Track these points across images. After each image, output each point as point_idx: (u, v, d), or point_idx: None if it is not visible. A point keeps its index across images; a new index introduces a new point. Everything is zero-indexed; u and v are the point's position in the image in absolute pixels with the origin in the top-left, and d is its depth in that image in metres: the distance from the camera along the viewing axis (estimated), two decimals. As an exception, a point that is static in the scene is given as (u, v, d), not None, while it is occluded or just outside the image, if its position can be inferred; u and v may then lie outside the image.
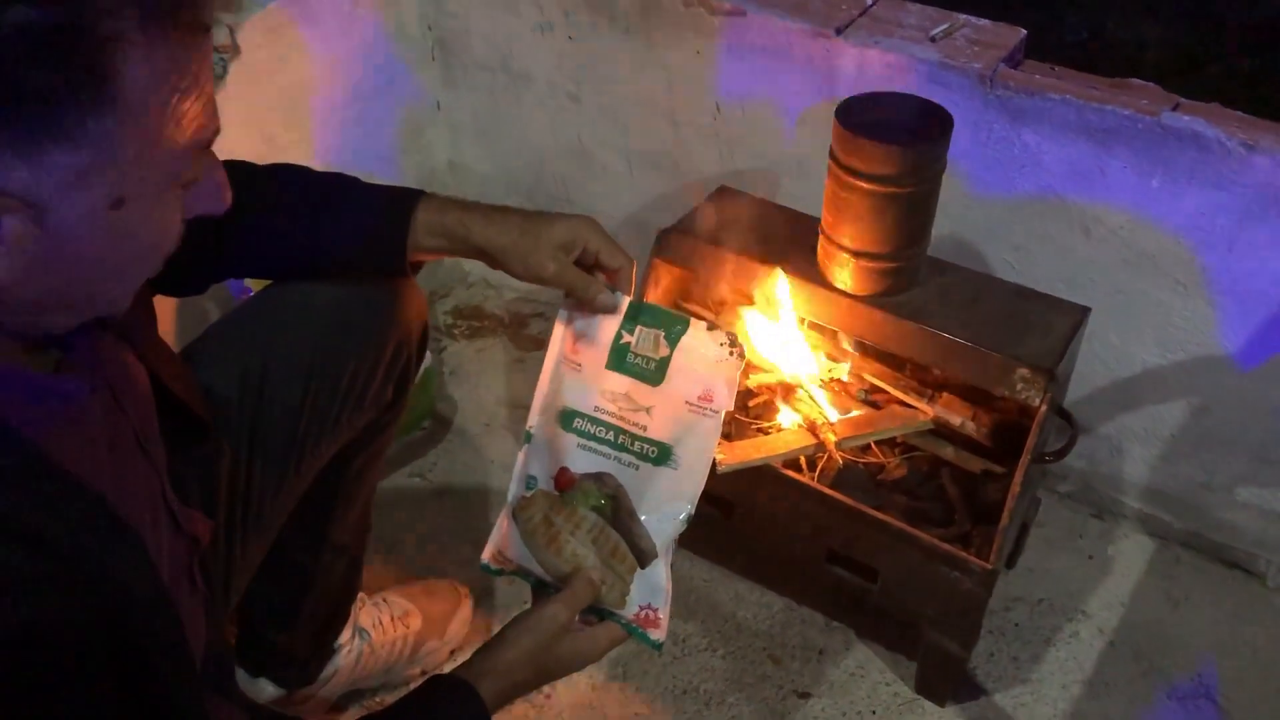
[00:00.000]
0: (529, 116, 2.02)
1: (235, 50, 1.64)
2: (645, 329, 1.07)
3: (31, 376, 0.75)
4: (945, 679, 1.54)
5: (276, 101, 1.77)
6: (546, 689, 1.56)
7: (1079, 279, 1.59)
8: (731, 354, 1.07)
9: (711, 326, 1.08)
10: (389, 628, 1.53)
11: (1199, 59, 3.58)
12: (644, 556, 1.03)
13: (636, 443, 1.05)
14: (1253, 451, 1.62)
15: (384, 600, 1.56)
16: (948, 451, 1.52)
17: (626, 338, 1.07)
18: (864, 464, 1.54)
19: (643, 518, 1.03)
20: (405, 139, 2.09)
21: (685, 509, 1.04)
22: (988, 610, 1.64)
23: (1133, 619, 1.67)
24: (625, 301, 1.08)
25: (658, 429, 1.05)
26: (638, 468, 1.04)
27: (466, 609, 1.62)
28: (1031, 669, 1.60)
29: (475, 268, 2.24)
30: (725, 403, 1.06)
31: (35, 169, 0.65)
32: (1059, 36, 3.81)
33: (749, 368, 1.61)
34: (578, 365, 1.08)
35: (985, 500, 1.47)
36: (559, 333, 1.10)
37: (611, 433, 1.05)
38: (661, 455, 1.04)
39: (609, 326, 1.08)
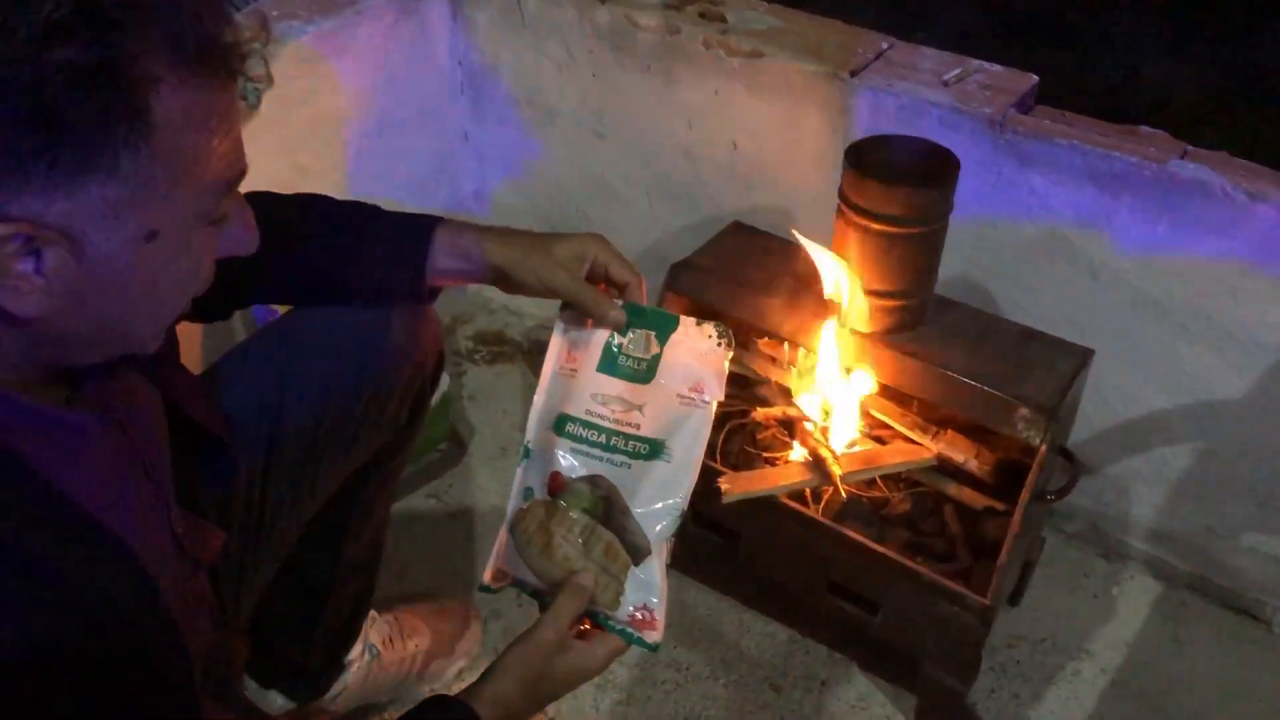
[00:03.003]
0: (554, 150, 2.07)
1: (269, 80, 1.70)
2: (637, 330, 1.09)
3: (42, 409, 0.78)
4: (945, 714, 1.56)
5: (308, 131, 1.83)
6: (551, 711, 1.59)
7: (1086, 321, 1.61)
8: (720, 344, 1.09)
9: (700, 320, 1.10)
10: (398, 645, 1.56)
11: (1231, 102, 3.59)
12: (638, 553, 1.03)
13: (629, 442, 1.05)
14: (1258, 498, 1.63)
15: (395, 618, 1.60)
16: (951, 488, 1.54)
17: (619, 340, 1.09)
18: (868, 498, 1.56)
19: (636, 513, 1.03)
20: (434, 170, 2.14)
21: (679, 502, 1.04)
22: (990, 647, 1.66)
23: (1136, 660, 1.67)
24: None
25: (650, 426, 1.05)
26: (630, 465, 1.04)
27: (476, 629, 1.66)
28: (1032, 706, 1.61)
29: (497, 294, 2.28)
30: (716, 393, 1.07)
31: (73, 201, 0.69)
32: (1090, 78, 3.83)
33: (759, 398, 1.64)
34: (572, 372, 1.09)
35: (987, 537, 1.49)
36: (555, 346, 1.12)
37: (603, 435, 1.06)
38: (653, 450, 1.05)
39: (602, 332, 1.09)
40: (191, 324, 1.18)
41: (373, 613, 1.55)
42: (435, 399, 1.88)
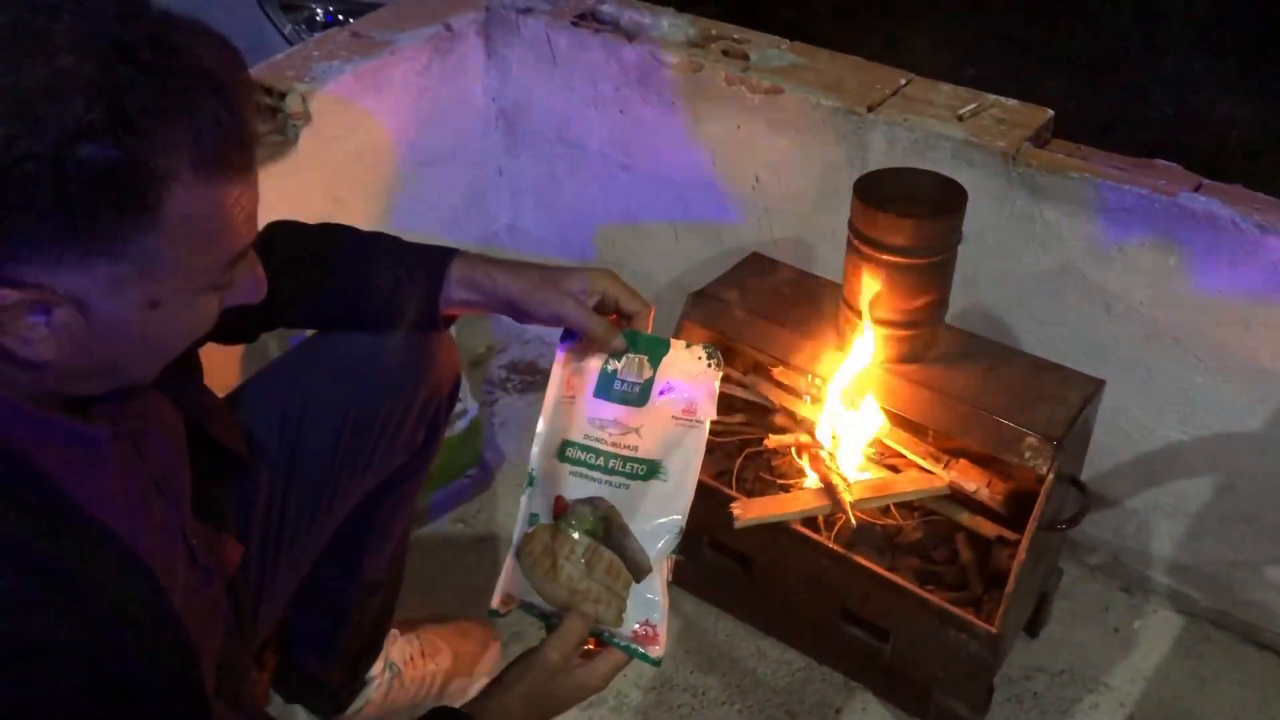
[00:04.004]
0: (583, 184, 2.13)
1: (307, 117, 1.78)
2: (631, 355, 1.12)
3: (56, 421, 0.84)
4: (958, 743, 1.56)
5: (346, 165, 1.90)
6: (567, 732, 1.62)
7: (1101, 353, 1.62)
8: (710, 365, 1.12)
9: (690, 343, 1.13)
10: (419, 663, 1.60)
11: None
12: (639, 571, 1.06)
13: (627, 463, 1.08)
14: (1278, 532, 1.62)
15: (417, 637, 1.64)
16: (963, 517, 1.55)
17: (614, 365, 1.12)
18: (881, 525, 1.58)
19: (636, 532, 1.06)
20: (468, 203, 2.21)
21: (677, 520, 1.07)
22: (1008, 678, 1.66)
23: (1156, 695, 1.66)
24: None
25: (646, 447, 1.09)
26: (628, 486, 1.08)
27: (496, 650, 1.69)
28: (1048, 739, 1.61)
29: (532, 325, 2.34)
30: (709, 412, 1.10)
31: (81, 275, 0.74)
32: (1143, 114, 3.82)
33: (774, 425, 1.67)
34: (570, 399, 1.13)
35: (998, 566, 1.50)
36: (556, 375, 1.15)
37: (602, 458, 1.09)
38: (651, 471, 1.08)
39: (597, 359, 1.13)
40: (229, 345, 1.25)
41: (395, 631, 1.59)
42: (464, 425, 1.94)
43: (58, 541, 0.78)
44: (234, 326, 1.17)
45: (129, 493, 0.91)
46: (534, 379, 2.29)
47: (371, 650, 1.54)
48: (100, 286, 0.76)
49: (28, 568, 0.75)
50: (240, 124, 0.78)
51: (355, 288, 1.20)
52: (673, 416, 1.10)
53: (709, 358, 1.12)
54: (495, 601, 1.13)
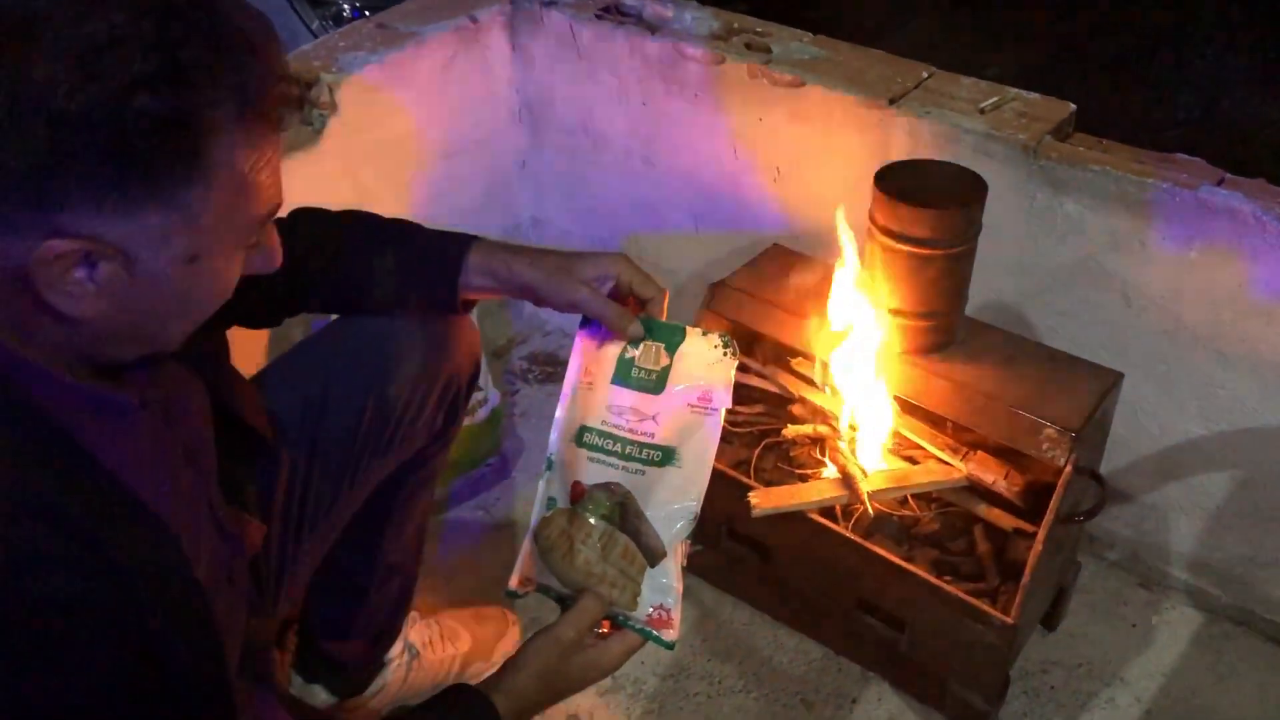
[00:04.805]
0: (606, 176, 2.14)
1: (334, 107, 1.80)
2: (648, 343, 1.14)
3: (85, 388, 0.86)
4: (973, 734, 1.56)
5: (370, 156, 1.92)
6: (584, 718, 1.63)
7: (1122, 346, 1.61)
8: (726, 354, 1.13)
9: (706, 331, 1.14)
10: (438, 646, 1.62)
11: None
12: (654, 556, 1.08)
13: (643, 450, 1.10)
14: (1300, 528, 1.61)
15: (436, 621, 1.66)
16: (981, 508, 1.55)
17: (631, 353, 1.14)
18: (899, 516, 1.58)
19: (651, 517, 1.08)
20: (491, 194, 2.22)
21: (691, 506, 1.09)
22: (1024, 671, 1.66)
23: (1173, 691, 1.66)
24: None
25: (663, 434, 1.10)
26: (644, 472, 1.09)
27: (514, 635, 1.71)
28: (1064, 732, 1.61)
29: (552, 316, 2.36)
30: (724, 400, 1.11)
31: (133, 225, 0.77)
32: (1169, 115, 3.79)
33: (792, 418, 1.68)
34: (589, 385, 1.15)
35: (1015, 558, 1.50)
36: (575, 361, 1.17)
37: (619, 444, 1.11)
38: (666, 458, 1.09)
39: (615, 346, 1.15)
40: (253, 329, 1.27)
41: (414, 614, 1.61)
42: (485, 414, 1.96)
43: (85, 503, 0.80)
44: (258, 309, 1.20)
45: (158, 461, 0.93)
46: (554, 370, 2.31)
47: (391, 632, 1.56)
48: (148, 237, 0.79)
49: (51, 526, 0.77)
50: (277, 82, 0.82)
51: (376, 272, 1.22)
52: (688, 404, 1.12)
53: (725, 346, 1.13)
54: (513, 582, 1.15)
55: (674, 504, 1.09)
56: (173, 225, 0.79)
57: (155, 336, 0.88)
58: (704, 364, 1.13)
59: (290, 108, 0.84)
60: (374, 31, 1.95)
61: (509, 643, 1.70)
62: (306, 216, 1.22)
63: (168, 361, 0.97)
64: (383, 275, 1.22)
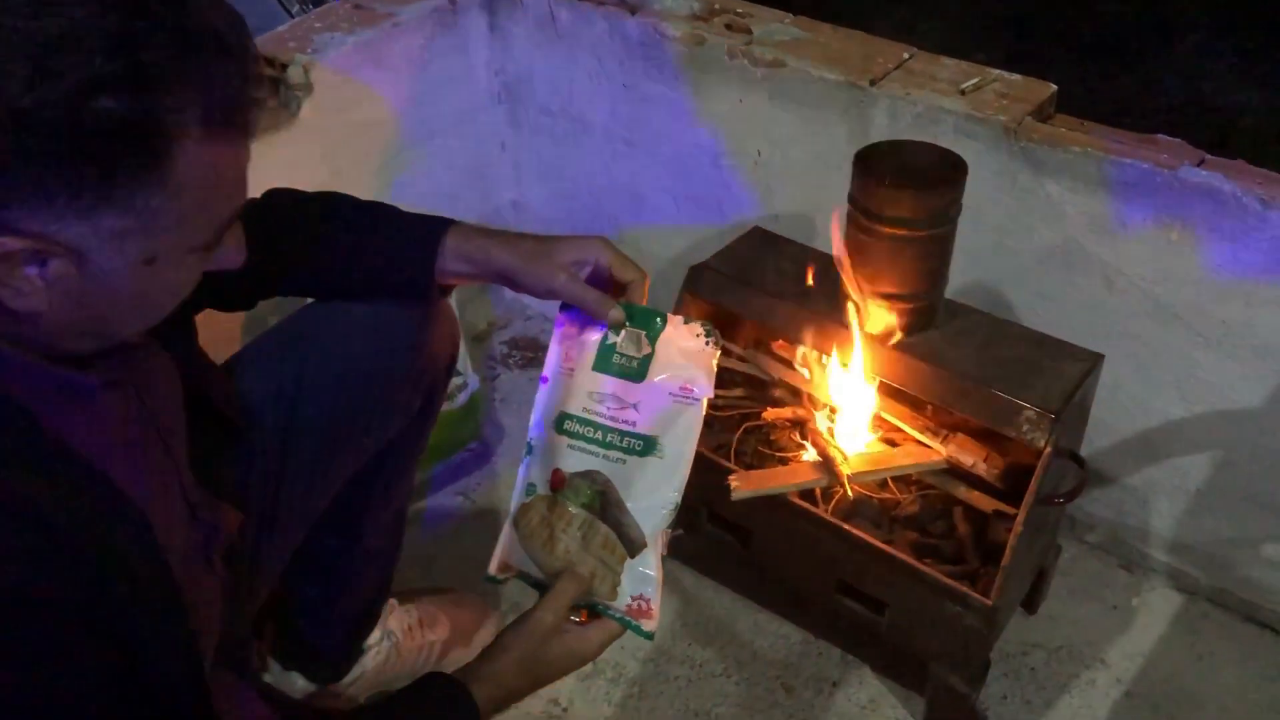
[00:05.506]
0: (586, 158, 2.12)
1: (309, 89, 1.77)
2: (629, 329, 1.12)
3: (50, 369, 0.84)
4: (953, 717, 1.56)
5: (347, 138, 1.90)
6: (564, 703, 1.63)
7: (1102, 328, 1.61)
8: (708, 343, 1.11)
9: (688, 319, 1.13)
10: (417, 634, 1.61)
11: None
12: (633, 546, 1.07)
13: (624, 438, 1.08)
14: (1279, 510, 1.61)
15: (415, 608, 1.64)
16: (961, 491, 1.55)
17: (612, 339, 1.12)
18: (878, 499, 1.58)
19: (632, 507, 1.07)
20: (471, 178, 2.20)
21: (672, 497, 1.08)
22: (1004, 653, 1.67)
23: (1153, 672, 1.66)
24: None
25: (644, 423, 1.09)
26: (625, 461, 1.08)
27: (494, 622, 1.70)
28: (1044, 714, 1.61)
29: (534, 301, 2.34)
30: (706, 390, 1.10)
31: (86, 225, 0.75)
32: (1154, 100, 3.79)
33: (776, 399, 1.67)
34: (570, 371, 1.13)
35: (995, 540, 1.49)
36: (555, 347, 1.15)
37: (600, 431, 1.09)
38: (648, 447, 1.08)
39: (597, 332, 1.13)
40: (226, 313, 1.25)
41: (393, 601, 1.60)
42: (464, 399, 1.95)
43: (47, 485, 0.78)
44: (232, 293, 1.18)
45: (129, 441, 0.91)
46: (535, 355, 2.30)
47: (369, 619, 1.55)
48: (102, 239, 0.76)
49: (11, 513, 0.75)
50: (247, 86, 0.79)
51: (351, 256, 1.21)
52: (670, 394, 1.10)
53: (707, 335, 1.12)
54: (493, 568, 1.15)
55: (655, 495, 1.08)
56: (129, 228, 0.77)
57: (112, 333, 0.87)
58: (686, 353, 1.11)
59: (260, 113, 0.81)
60: (350, 12, 1.93)
61: (489, 630, 1.69)
62: (280, 198, 1.20)
63: (139, 345, 0.96)
64: (357, 259, 1.20)
